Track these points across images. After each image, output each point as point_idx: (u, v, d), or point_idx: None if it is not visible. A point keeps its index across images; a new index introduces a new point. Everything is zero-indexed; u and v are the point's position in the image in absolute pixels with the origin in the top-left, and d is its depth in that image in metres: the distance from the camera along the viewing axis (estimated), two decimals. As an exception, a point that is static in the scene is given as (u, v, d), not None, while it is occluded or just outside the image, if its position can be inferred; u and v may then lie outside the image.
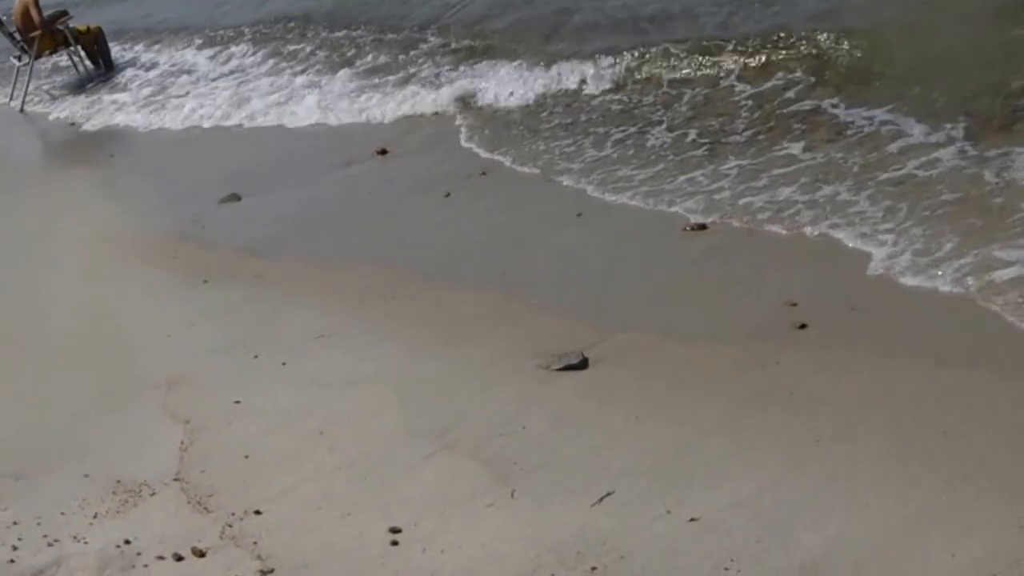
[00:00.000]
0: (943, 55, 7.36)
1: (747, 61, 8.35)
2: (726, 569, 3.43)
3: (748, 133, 7.28)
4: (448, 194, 7.54)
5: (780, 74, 7.97)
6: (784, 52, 8.26)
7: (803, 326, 4.76)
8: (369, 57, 11.80)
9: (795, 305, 4.93)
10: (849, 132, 6.82)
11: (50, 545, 4.02)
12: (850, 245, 5.45)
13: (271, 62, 12.97)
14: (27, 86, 14.51)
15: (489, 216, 7.08)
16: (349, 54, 12.17)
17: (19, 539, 4.04)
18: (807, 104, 7.43)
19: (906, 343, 4.56)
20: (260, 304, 6.27)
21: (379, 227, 7.22)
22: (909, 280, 5.01)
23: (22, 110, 14.25)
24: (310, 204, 7.97)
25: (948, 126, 6.39)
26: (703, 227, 6.05)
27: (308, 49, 12.87)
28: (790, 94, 7.67)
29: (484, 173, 7.86)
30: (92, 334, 6.17)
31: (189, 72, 13.60)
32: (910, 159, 6.18)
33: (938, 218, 5.46)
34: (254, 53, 13.52)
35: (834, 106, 7.23)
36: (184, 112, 11.72)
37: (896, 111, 6.82)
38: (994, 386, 4.13)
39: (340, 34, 12.88)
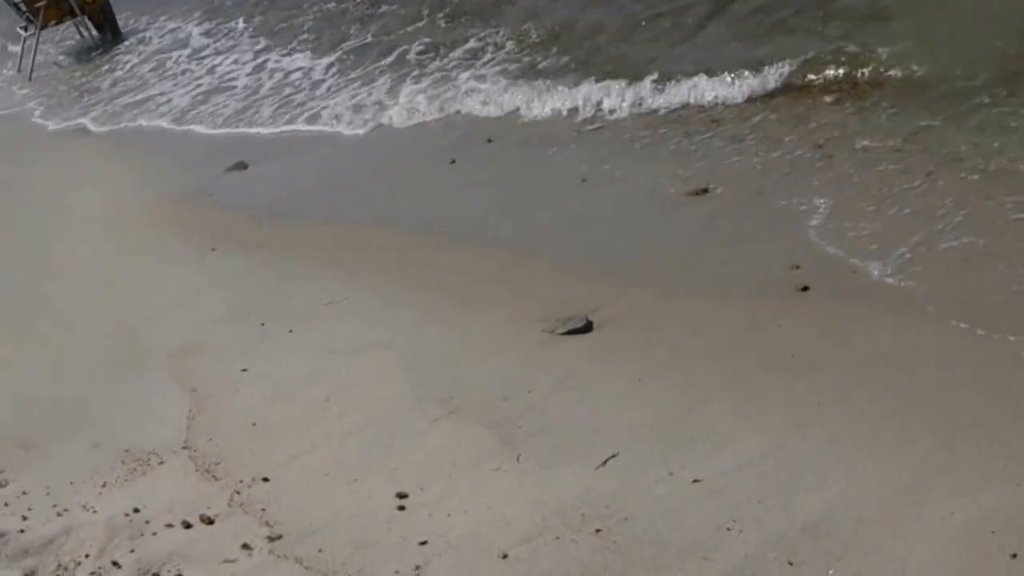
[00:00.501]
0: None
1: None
2: (728, 530, 3.44)
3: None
4: (453, 160, 7.53)
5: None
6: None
7: (805, 288, 4.75)
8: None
9: (798, 268, 4.92)
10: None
11: (59, 514, 4.06)
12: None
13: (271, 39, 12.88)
14: (34, 56, 14.50)
15: (494, 182, 7.06)
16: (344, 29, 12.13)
17: (29, 509, 4.08)
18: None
19: (907, 306, 4.55)
20: (267, 272, 6.28)
21: (386, 193, 7.20)
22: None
23: (30, 79, 14.25)
24: (317, 172, 7.95)
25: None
26: (704, 191, 6.03)
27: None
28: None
29: (490, 140, 7.83)
30: (99, 302, 6.19)
31: (185, 46, 13.57)
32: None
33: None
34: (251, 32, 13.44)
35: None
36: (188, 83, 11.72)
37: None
38: (992, 347, 4.12)
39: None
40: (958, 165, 5.45)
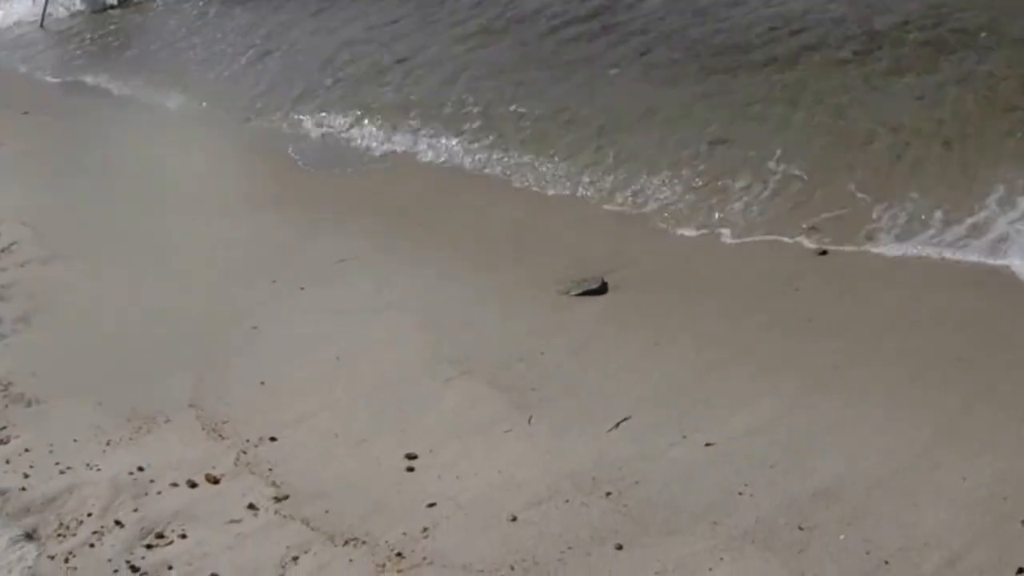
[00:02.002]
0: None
1: None
2: (740, 494, 3.40)
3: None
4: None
5: None
6: None
7: (823, 252, 4.66)
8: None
9: (815, 230, 4.85)
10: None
11: (62, 472, 4.02)
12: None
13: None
14: (45, 5, 14.57)
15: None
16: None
17: (31, 466, 4.04)
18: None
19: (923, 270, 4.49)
20: (279, 227, 6.21)
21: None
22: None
23: (42, 26, 14.27)
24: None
25: None
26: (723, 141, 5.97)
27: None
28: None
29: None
30: (102, 261, 6.14)
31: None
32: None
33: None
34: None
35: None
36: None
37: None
38: (1009, 311, 4.06)
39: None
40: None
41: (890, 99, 6.07)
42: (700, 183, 5.80)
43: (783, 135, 6.02)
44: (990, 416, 3.52)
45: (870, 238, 4.81)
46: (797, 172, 5.60)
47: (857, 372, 3.91)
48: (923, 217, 4.84)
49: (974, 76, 6.01)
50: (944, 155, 5.38)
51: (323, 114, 8.30)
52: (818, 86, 6.49)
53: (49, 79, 11.17)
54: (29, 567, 3.49)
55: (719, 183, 5.78)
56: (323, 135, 7.99)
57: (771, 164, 5.73)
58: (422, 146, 7.22)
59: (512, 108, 7.39)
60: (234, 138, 8.34)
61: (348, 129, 7.91)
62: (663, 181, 5.63)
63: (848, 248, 4.75)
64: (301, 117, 8.36)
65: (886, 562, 3.02)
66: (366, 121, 7.89)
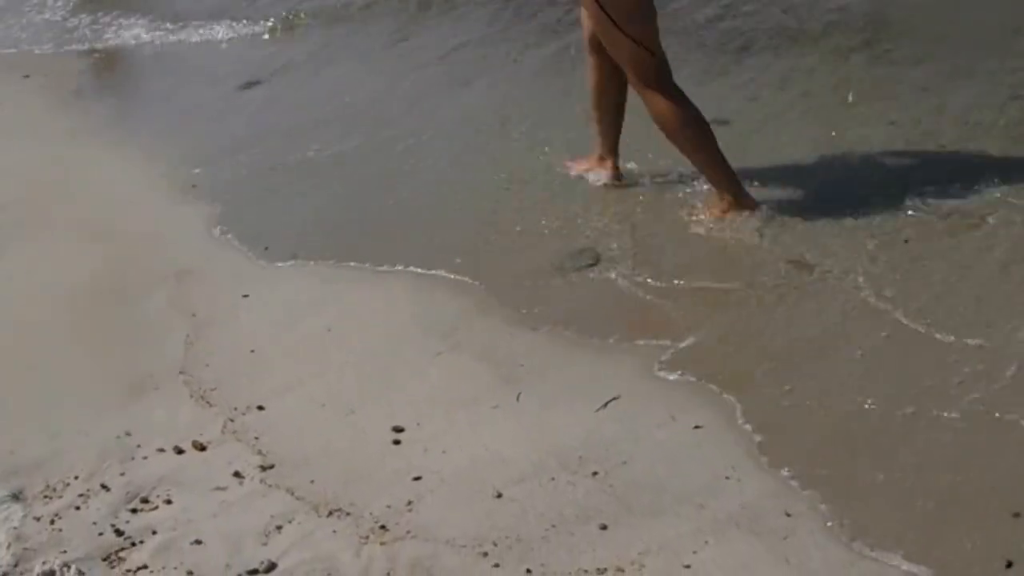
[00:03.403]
0: None
1: None
2: (727, 478, 3.40)
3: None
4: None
5: None
6: None
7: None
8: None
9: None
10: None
11: (50, 436, 4.02)
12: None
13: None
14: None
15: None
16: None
17: (18, 429, 4.04)
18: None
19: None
20: (271, 196, 6.19)
21: (400, 116, 7.08)
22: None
23: None
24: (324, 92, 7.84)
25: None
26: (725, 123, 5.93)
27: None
28: None
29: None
30: (97, 224, 6.12)
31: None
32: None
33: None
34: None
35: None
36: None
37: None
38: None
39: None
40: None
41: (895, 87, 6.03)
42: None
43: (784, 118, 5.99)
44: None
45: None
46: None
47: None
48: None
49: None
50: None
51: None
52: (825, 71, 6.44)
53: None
54: (15, 527, 3.50)
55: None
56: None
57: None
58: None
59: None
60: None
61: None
62: (659, 158, 5.60)
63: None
64: None
65: (872, 551, 3.02)
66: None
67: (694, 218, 5.02)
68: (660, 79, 4.81)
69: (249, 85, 8.21)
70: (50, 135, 7.76)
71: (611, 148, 5.48)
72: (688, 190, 5.21)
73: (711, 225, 4.92)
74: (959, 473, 3.28)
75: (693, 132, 4.86)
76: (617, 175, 5.45)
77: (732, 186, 4.91)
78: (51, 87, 9.01)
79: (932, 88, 5.87)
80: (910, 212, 4.74)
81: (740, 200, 4.91)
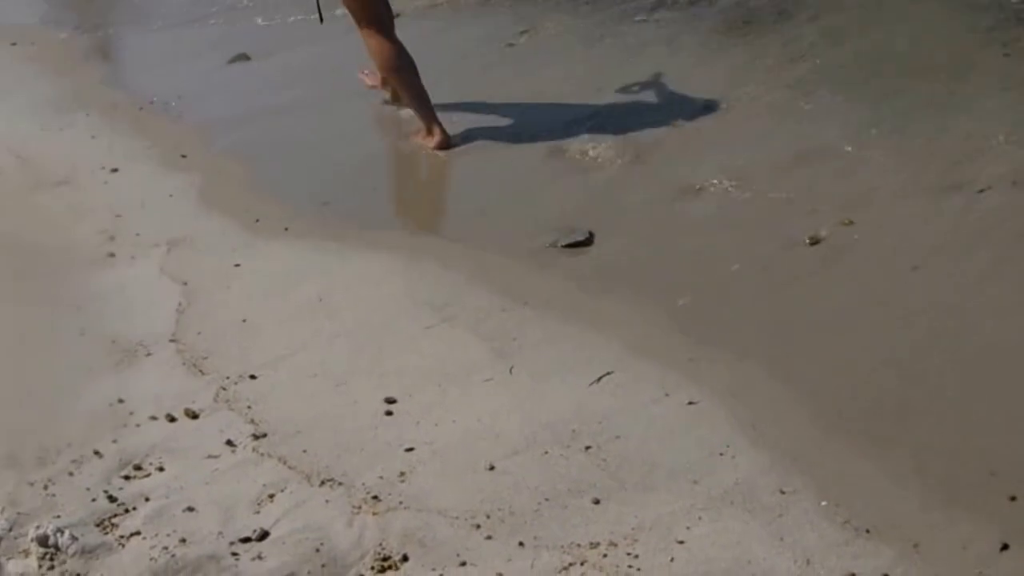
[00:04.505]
0: None
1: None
2: (721, 455, 3.40)
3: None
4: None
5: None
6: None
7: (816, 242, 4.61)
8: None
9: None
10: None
11: (42, 401, 4.02)
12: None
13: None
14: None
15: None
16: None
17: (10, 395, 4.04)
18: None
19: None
20: (263, 168, 6.18)
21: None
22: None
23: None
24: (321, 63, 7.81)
25: None
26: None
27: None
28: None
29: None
30: (87, 189, 6.10)
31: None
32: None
33: None
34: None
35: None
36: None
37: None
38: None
39: None
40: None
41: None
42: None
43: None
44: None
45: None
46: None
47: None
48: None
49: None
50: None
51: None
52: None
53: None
54: (9, 492, 3.49)
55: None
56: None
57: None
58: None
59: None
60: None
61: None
62: (657, 133, 5.63)
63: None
64: None
65: (867, 531, 3.03)
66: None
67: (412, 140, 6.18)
68: (378, 24, 5.95)
69: (237, 59, 8.17)
70: (38, 103, 7.72)
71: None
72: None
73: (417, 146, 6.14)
74: (956, 455, 3.28)
75: (404, 73, 6.04)
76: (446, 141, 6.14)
77: (428, 119, 6.05)
78: (39, 57, 8.95)
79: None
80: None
81: (432, 129, 6.05)
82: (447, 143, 6.04)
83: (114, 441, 3.77)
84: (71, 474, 3.60)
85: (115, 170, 6.32)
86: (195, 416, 3.91)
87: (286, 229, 5.31)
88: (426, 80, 6.02)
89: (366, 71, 6.76)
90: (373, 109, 6.77)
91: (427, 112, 6.07)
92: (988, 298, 4.00)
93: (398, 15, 6.47)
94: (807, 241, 4.54)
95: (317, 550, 3.17)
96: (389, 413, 3.84)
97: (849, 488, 3.19)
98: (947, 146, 5.11)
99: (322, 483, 3.49)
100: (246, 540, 3.25)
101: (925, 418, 3.46)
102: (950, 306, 4.02)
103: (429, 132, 6.07)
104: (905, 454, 3.31)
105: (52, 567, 3.14)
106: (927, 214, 4.63)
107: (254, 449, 3.70)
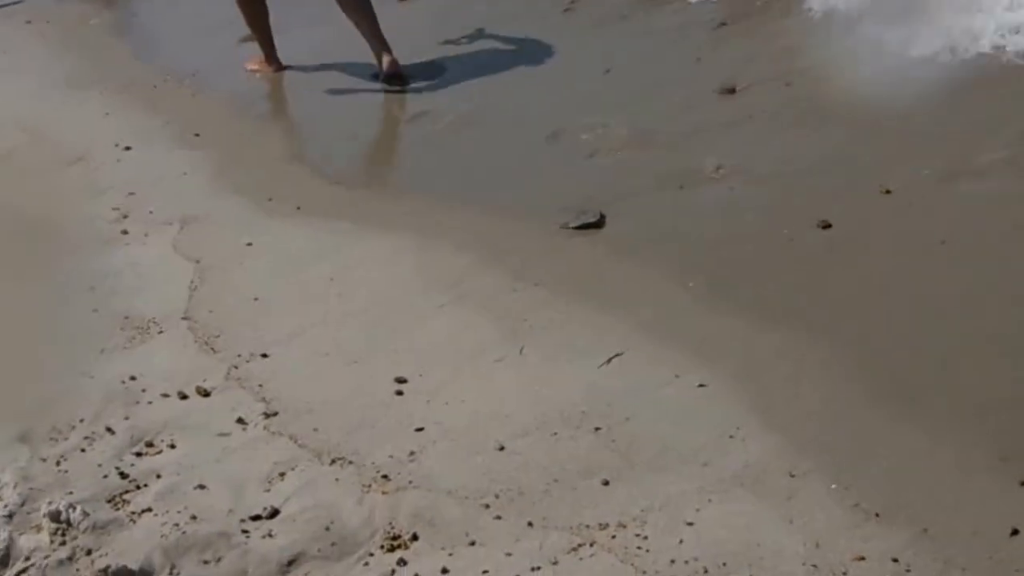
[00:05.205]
0: None
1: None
2: (731, 437, 3.39)
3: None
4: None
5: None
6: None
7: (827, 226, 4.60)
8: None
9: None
10: None
11: (55, 378, 4.04)
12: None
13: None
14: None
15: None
16: None
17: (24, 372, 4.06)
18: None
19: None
20: (275, 147, 6.18)
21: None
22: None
23: None
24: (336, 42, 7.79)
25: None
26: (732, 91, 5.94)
27: None
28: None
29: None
30: (101, 167, 6.11)
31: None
32: None
33: None
34: None
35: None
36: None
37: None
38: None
39: None
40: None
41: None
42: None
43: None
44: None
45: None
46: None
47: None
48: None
49: None
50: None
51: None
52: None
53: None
54: (21, 467, 3.51)
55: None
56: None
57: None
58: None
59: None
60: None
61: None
62: (668, 118, 5.61)
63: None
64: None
65: (877, 514, 3.02)
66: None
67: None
68: None
69: (246, 40, 8.16)
70: (52, 81, 7.73)
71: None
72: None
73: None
74: (967, 440, 3.27)
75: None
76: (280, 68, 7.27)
77: (380, 47, 6.78)
78: (54, 35, 8.96)
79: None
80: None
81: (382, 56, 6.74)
82: (397, 68, 6.74)
83: (126, 418, 3.79)
84: (83, 450, 3.62)
85: (129, 148, 6.34)
86: (207, 394, 3.93)
87: (298, 208, 5.32)
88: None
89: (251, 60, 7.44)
90: (386, 92, 6.77)
91: (380, 39, 6.76)
92: (1003, 283, 3.98)
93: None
94: (819, 224, 4.52)
95: (327, 528, 3.19)
96: (400, 392, 3.85)
97: (859, 471, 3.19)
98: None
99: (332, 462, 3.50)
100: (256, 518, 3.27)
101: (936, 402, 3.45)
102: (967, 287, 4.02)
103: (379, 59, 6.76)
104: (915, 438, 3.30)
105: (64, 543, 3.16)
106: (942, 197, 4.62)
107: (265, 427, 3.72)
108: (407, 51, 7.00)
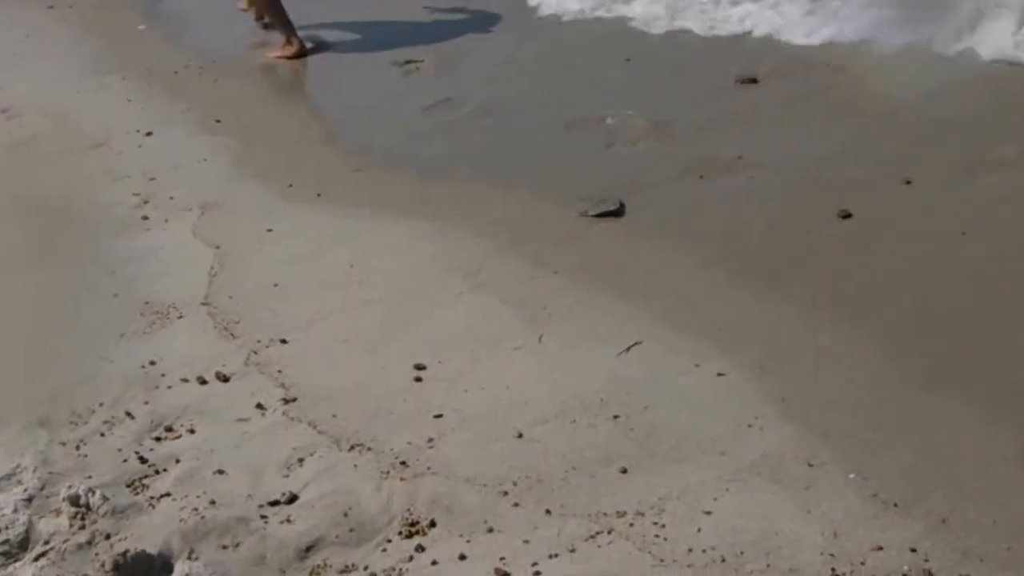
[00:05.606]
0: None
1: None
2: (749, 427, 3.39)
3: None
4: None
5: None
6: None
7: (847, 216, 4.58)
8: None
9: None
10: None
11: (75, 363, 4.05)
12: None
13: None
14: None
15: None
16: None
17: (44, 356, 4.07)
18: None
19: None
20: (296, 134, 6.19)
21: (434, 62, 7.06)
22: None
23: None
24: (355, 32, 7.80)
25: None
26: (754, 80, 5.93)
27: None
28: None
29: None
30: (122, 153, 6.13)
31: None
32: None
33: None
34: None
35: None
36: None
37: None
38: None
39: None
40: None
41: None
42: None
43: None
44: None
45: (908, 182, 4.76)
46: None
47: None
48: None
49: None
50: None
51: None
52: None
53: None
54: (41, 451, 3.53)
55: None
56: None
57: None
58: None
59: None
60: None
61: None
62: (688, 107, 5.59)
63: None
64: None
65: (895, 504, 3.02)
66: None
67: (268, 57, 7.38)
68: None
69: (267, 26, 8.16)
70: (74, 67, 7.74)
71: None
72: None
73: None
74: (986, 431, 3.26)
75: None
76: (302, 51, 7.38)
77: (287, 31, 7.33)
78: (76, 20, 8.96)
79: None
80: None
81: (290, 40, 7.32)
82: (303, 51, 7.30)
83: (146, 403, 3.81)
84: (103, 435, 3.64)
85: (149, 133, 6.35)
86: (226, 379, 3.93)
87: (319, 195, 5.32)
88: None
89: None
90: (405, 79, 6.78)
91: (286, 25, 7.30)
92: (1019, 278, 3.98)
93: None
94: (839, 214, 4.50)
95: (345, 514, 3.20)
96: (419, 379, 3.85)
97: (877, 461, 3.18)
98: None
99: (351, 448, 3.51)
100: (275, 503, 3.28)
101: (955, 393, 3.44)
102: (987, 278, 4.00)
103: (288, 42, 7.29)
104: (935, 428, 3.30)
105: (83, 526, 3.18)
106: (962, 189, 4.61)
107: (284, 413, 3.72)
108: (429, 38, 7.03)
